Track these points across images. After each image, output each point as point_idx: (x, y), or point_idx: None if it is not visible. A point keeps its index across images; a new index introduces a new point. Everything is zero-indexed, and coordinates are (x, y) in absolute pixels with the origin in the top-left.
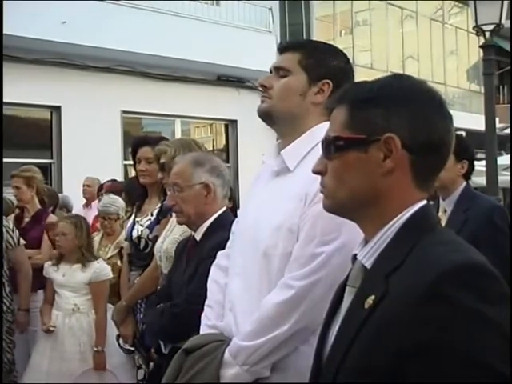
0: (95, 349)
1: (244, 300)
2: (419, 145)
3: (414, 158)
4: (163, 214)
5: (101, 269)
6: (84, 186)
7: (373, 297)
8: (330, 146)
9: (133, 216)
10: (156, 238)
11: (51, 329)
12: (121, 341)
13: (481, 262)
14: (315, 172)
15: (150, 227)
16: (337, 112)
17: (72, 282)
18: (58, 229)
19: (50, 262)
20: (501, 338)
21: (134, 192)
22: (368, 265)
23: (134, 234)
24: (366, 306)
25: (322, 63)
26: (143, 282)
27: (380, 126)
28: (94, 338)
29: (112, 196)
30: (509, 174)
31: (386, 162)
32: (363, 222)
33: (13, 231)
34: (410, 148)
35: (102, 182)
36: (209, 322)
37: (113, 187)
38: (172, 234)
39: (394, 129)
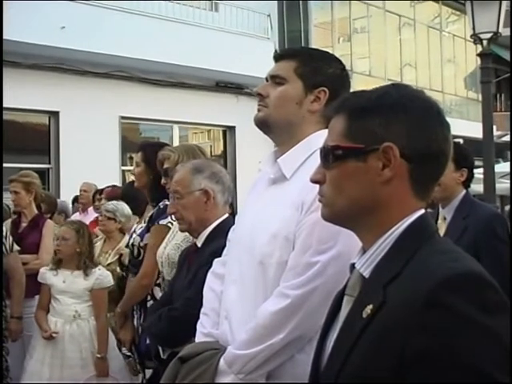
0: (98, 355)
1: (240, 308)
2: (418, 154)
3: (412, 167)
4: (152, 222)
5: (103, 276)
6: (81, 191)
7: (371, 306)
8: (329, 155)
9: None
10: (146, 246)
11: (54, 335)
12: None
13: (478, 272)
14: (314, 181)
15: (141, 235)
16: (335, 121)
17: (73, 289)
18: (59, 233)
19: (47, 268)
20: (498, 346)
21: (137, 197)
22: (366, 274)
23: (131, 241)
24: (364, 315)
25: (318, 71)
26: (132, 289)
27: (378, 136)
28: (94, 345)
29: (121, 202)
30: (506, 181)
31: (384, 171)
32: (361, 231)
33: (6, 237)
34: (409, 157)
35: (99, 187)
36: (204, 330)
37: (113, 193)
38: (174, 239)
39: (393, 138)
